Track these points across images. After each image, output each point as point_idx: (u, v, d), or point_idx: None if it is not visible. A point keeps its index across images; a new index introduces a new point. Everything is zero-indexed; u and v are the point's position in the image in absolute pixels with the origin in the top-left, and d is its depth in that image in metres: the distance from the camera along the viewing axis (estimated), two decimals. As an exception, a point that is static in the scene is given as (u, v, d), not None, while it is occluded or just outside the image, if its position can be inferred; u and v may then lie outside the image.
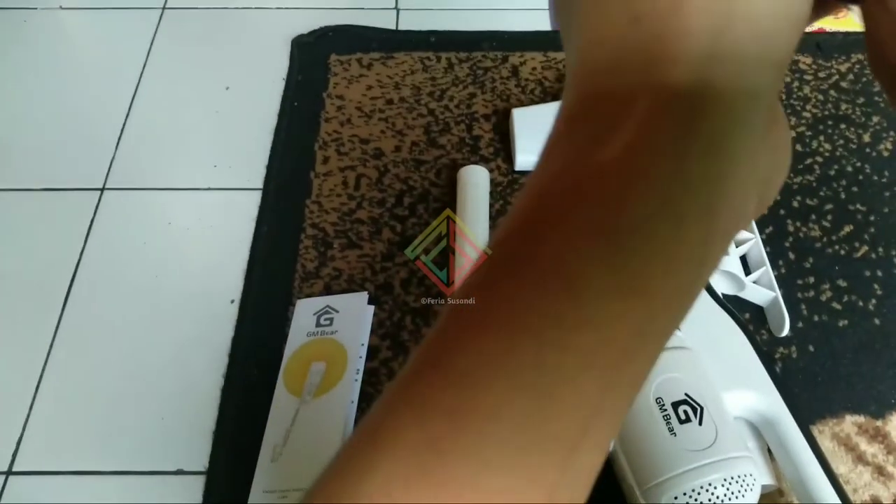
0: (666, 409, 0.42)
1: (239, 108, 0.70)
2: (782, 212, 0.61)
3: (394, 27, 0.76)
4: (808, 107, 0.68)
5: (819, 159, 0.64)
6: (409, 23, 0.76)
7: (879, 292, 0.56)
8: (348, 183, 0.63)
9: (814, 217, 0.60)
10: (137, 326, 0.56)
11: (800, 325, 0.54)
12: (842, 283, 0.57)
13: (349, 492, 0.16)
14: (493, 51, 0.72)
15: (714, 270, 0.17)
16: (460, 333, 0.16)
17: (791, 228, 0.60)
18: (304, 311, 0.55)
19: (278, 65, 0.73)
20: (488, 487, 0.15)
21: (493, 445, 0.15)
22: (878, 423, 0.50)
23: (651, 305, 0.16)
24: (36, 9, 0.79)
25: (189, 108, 0.70)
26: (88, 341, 0.55)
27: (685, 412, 0.41)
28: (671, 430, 0.41)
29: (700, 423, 0.41)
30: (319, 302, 0.55)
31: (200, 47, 0.75)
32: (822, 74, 0.70)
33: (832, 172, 0.63)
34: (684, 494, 0.39)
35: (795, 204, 0.61)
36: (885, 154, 0.64)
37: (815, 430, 0.50)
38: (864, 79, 0.70)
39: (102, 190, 0.64)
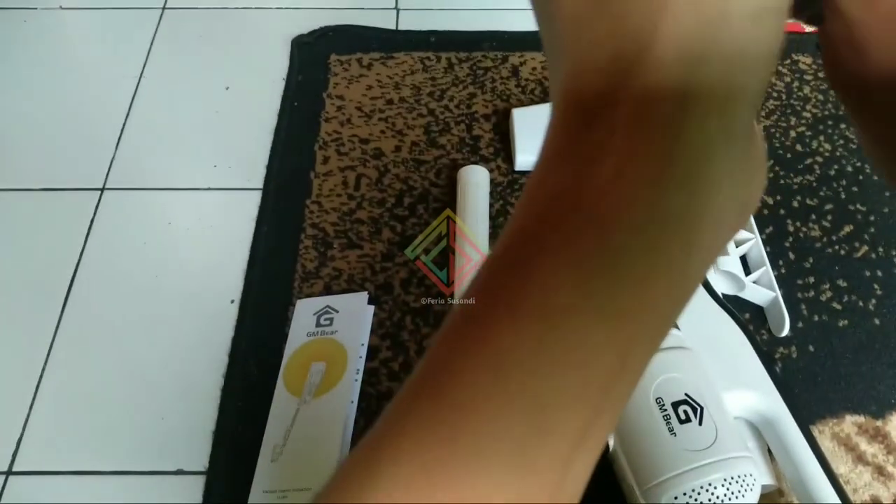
0: (666, 409, 0.42)
1: (239, 108, 0.70)
2: (782, 212, 0.61)
3: (394, 27, 0.76)
4: (808, 107, 0.68)
5: (819, 159, 0.64)
6: (409, 23, 0.76)
7: (879, 292, 0.56)
8: (348, 183, 0.63)
9: (814, 217, 0.60)
10: (137, 326, 0.56)
11: (800, 325, 0.54)
12: (842, 283, 0.57)
13: None
14: (493, 51, 0.72)
15: (695, 291, 0.18)
16: (453, 366, 0.17)
17: (791, 228, 0.60)
18: (304, 311, 0.55)
19: (278, 65, 0.73)
20: None
21: (485, 473, 0.15)
22: (878, 423, 0.50)
23: (633, 332, 0.17)
24: (36, 9, 0.79)
25: (189, 108, 0.70)
26: (88, 341, 0.55)
27: (685, 412, 0.41)
28: (671, 430, 0.41)
29: (700, 423, 0.41)
30: (319, 302, 0.55)
31: (200, 47, 0.75)
32: (822, 74, 0.70)
33: (832, 172, 0.63)
34: (684, 494, 0.39)
35: (795, 204, 0.61)
36: (885, 154, 0.64)
37: (815, 430, 0.50)
38: (864, 79, 0.70)
39: (102, 190, 0.64)
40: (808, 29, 0.68)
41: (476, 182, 0.60)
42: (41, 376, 0.54)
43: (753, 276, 0.55)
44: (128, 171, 0.65)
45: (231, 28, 0.77)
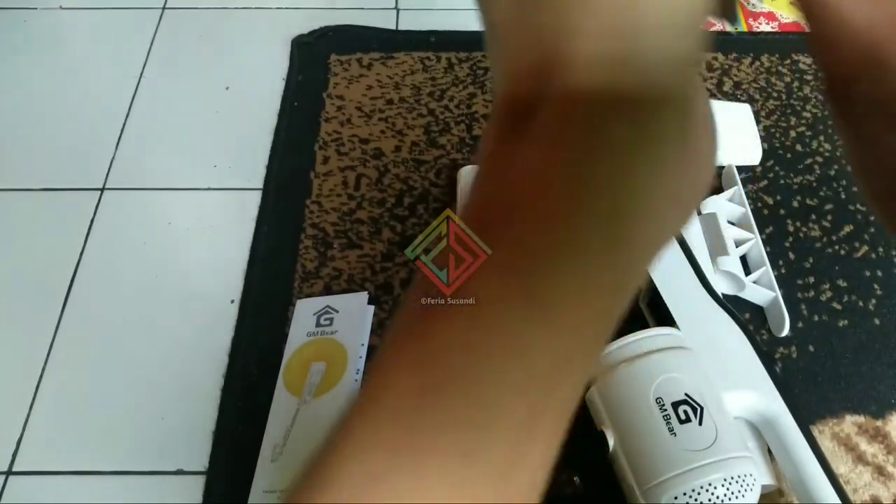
0: (666, 409, 0.42)
1: (239, 108, 0.70)
2: (782, 212, 0.61)
3: (394, 27, 0.76)
4: (808, 107, 0.68)
5: (819, 159, 0.64)
6: (409, 23, 0.76)
7: (879, 292, 0.56)
8: (348, 183, 0.63)
9: (814, 217, 0.60)
10: (137, 326, 0.56)
11: (800, 325, 0.54)
12: (842, 283, 0.57)
13: None
14: (493, 51, 0.72)
15: (634, 291, 0.18)
16: (392, 371, 0.17)
17: (791, 228, 0.60)
18: (304, 311, 0.55)
19: (278, 65, 0.73)
20: None
21: (428, 478, 0.16)
22: (878, 423, 0.50)
23: (568, 333, 0.17)
24: (36, 9, 0.79)
25: (189, 108, 0.70)
26: (88, 341, 0.55)
27: (685, 412, 0.41)
28: (671, 430, 0.41)
29: (700, 423, 0.41)
30: (319, 302, 0.55)
31: (200, 47, 0.75)
32: (821, 74, 0.70)
33: (832, 172, 0.63)
34: (684, 494, 0.39)
35: (795, 204, 0.61)
36: (885, 154, 0.64)
37: (815, 430, 0.49)
38: (864, 79, 0.70)
39: (102, 190, 0.64)
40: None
41: (476, 182, 0.60)
42: (41, 376, 0.54)
43: (753, 276, 0.55)
44: (128, 171, 0.65)
45: (231, 28, 0.77)
